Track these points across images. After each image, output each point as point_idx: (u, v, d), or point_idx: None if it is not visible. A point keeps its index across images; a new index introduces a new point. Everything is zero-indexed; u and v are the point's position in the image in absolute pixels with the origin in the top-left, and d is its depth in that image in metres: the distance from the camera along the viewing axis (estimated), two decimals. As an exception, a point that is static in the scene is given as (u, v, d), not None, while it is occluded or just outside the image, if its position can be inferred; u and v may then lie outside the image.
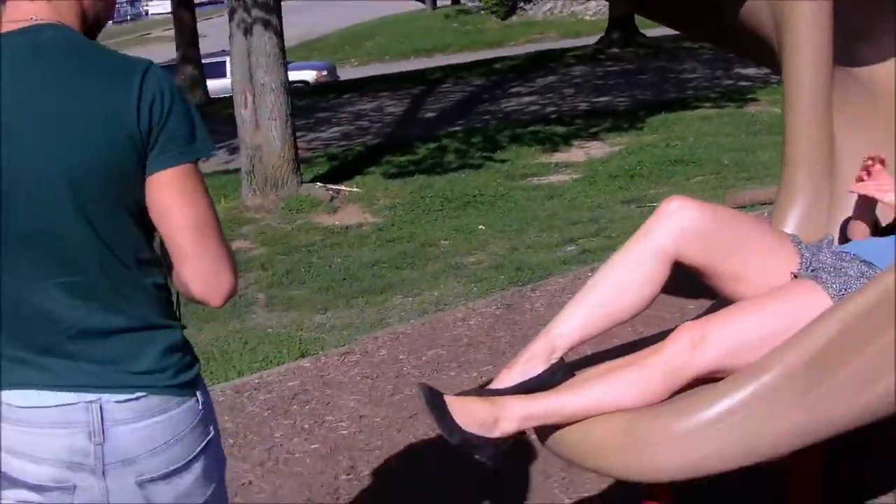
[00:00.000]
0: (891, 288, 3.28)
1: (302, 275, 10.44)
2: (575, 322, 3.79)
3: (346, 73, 38.09)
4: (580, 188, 13.04)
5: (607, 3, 29.60)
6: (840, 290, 3.52)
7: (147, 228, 2.57)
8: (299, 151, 14.09)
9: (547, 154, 15.38)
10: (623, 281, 3.79)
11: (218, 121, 22.17)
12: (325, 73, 35.32)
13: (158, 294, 2.63)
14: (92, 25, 2.66)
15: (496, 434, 3.57)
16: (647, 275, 3.76)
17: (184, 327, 2.67)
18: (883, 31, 4.49)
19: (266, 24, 13.40)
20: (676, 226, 3.75)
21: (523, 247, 10.55)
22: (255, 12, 13.37)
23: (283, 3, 13.81)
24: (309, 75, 33.99)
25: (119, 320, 2.55)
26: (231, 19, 13.65)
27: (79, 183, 2.43)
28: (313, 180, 14.17)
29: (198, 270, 2.57)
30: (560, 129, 17.04)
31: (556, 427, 3.64)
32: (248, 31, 13.41)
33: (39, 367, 2.52)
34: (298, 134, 14.52)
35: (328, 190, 13.58)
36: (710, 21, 5.07)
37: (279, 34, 13.60)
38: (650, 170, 13.43)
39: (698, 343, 3.49)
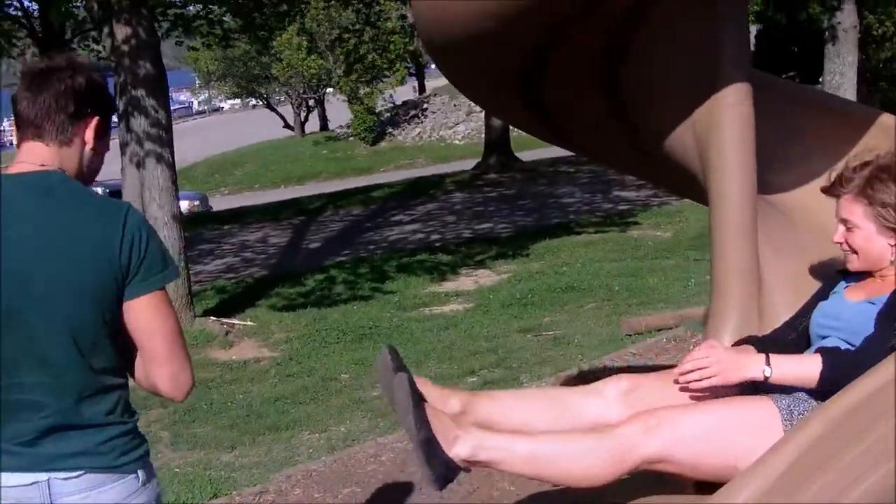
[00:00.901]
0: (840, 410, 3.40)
1: (204, 412, 10.33)
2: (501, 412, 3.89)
3: (218, 202, 37.99)
4: (474, 318, 13.14)
5: (493, 126, 29.91)
6: (788, 408, 3.65)
7: (115, 339, 3.18)
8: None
9: (436, 283, 15.50)
10: (555, 422, 3.89)
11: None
12: (197, 203, 35.10)
13: (119, 394, 3.27)
14: (87, 175, 3.31)
15: (451, 452, 3.61)
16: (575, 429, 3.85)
17: (136, 416, 3.34)
18: (797, 157, 4.65)
19: (159, 158, 13.43)
20: (613, 396, 3.92)
21: (425, 378, 10.55)
22: (148, 146, 13.39)
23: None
24: (182, 206, 33.74)
25: (80, 418, 3.14)
26: (123, 153, 13.64)
27: (66, 297, 3.04)
28: (204, 314, 14.10)
29: (168, 372, 3.29)
30: (446, 258, 17.19)
31: None
32: (140, 165, 13.41)
33: (9, 453, 3.10)
34: (183, 267, 14.49)
35: (222, 324, 13.54)
36: (629, 149, 5.19)
37: (171, 167, 13.64)
38: (542, 297, 13.60)
39: (652, 428, 3.61)
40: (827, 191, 3.96)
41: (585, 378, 9.40)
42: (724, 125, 4.21)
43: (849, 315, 3.84)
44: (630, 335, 10.99)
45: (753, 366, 3.72)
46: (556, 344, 11.31)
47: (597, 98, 5.03)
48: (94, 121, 3.26)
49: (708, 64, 4.43)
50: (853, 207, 3.84)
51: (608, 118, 5.11)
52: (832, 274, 4.13)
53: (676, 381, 3.85)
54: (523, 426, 3.86)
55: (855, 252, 3.89)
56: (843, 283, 4.02)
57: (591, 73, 4.89)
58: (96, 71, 3.31)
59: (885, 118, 4.53)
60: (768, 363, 3.70)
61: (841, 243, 3.93)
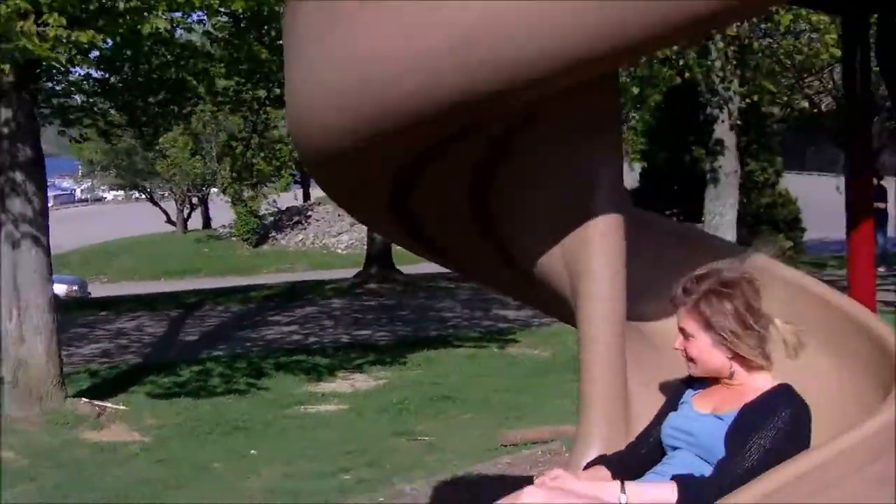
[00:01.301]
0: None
1: (73, 490, 10.27)
2: None
3: (97, 289, 37.66)
4: (349, 419, 13.21)
5: (375, 238, 30.06)
6: None
7: None
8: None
9: (313, 383, 15.51)
10: None
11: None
12: (75, 287, 34.81)
13: None
14: None
15: None
16: None
17: None
18: (665, 287, 4.72)
19: (35, 241, 13.42)
20: None
21: (298, 474, 10.62)
22: (24, 227, 13.38)
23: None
24: (60, 289, 33.41)
25: None
26: (-1, 232, 13.60)
27: None
28: (77, 395, 13.98)
29: None
30: (323, 360, 17.21)
31: None
32: (15, 245, 13.36)
33: None
34: (56, 348, 14.37)
35: (94, 406, 13.44)
36: (503, 269, 5.28)
37: (47, 251, 13.63)
38: (418, 405, 13.68)
39: None
40: (671, 300, 3.98)
41: (459, 483, 9.54)
42: (594, 255, 4.29)
43: (698, 429, 3.87)
44: (506, 445, 11.12)
45: (609, 493, 3.67)
46: (432, 449, 11.39)
47: (467, 218, 5.12)
48: None
49: (580, 192, 4.47)
50: (689, 319, 3.88)
51: (479, 238, 5.21)
52: (679, 383, 4.19)
53: None
54: None
55: (692, 360, 3.93)
56: (689, 392, 4.05)
57: (460, 195, 4.98)
58: None
59: (757, 257, 4.64)
60: (623, 490, 3.67)
61: (681, 350, 3.96)
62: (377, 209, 5.25)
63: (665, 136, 31.86)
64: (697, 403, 3.97)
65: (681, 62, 20.15)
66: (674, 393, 4.16)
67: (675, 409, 4.05)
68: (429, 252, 5.70)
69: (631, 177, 31.97)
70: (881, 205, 23.85)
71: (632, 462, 4.04)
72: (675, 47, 18.94)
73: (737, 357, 3.86)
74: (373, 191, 4.96)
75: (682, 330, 3.93)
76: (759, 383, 3.85)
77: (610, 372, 4.35)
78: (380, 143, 4.27)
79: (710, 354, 3.87)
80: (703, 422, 3.87)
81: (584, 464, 4.19)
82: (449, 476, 9.58)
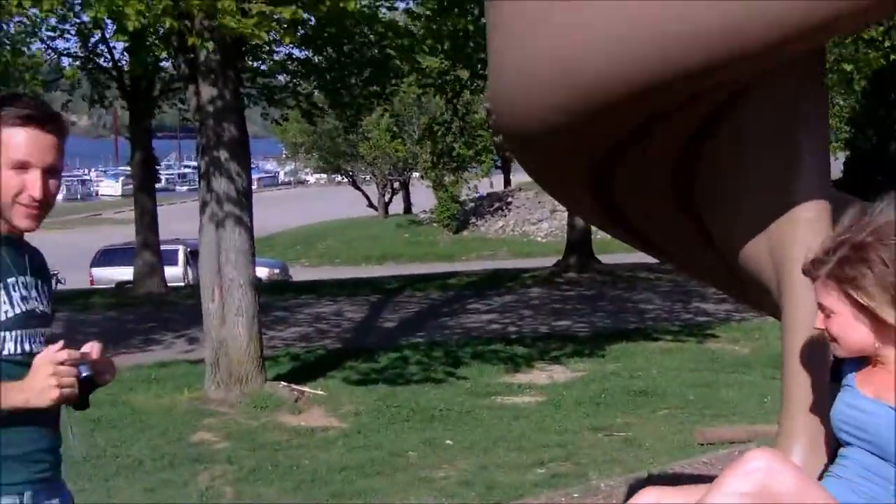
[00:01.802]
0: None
1: (269, 473, 10.36)
2: None
3: (297, 273, 38.24)
4: (546, 411, 13.05)
5: (576, 226, 29.85)
6: None
7: None
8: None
9: (510, 374, 15.40)
10: None
11: (177, 310, 22.22)
12: (277, 271, 35.35)
13: None
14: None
15: None
16: None
17: None
18: None
19: (238, 220, 13.50)
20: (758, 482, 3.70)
21: (493, 465, 10.52)
22: (228, 207, 13.48)
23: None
24: (262, 273, 34.02)
25: None
26: (202, 212, 13.74)
27: None
28: (275, 379, 14.11)
29: None
30: (521, 350, 17.11)
31: None
32: (219, 225, 13.48)
33: None
34: (257, 331, 14.52)
35: (292, 390, 13.54)
36: (711, 262, 5.13)
37: (249, 231, 13.71)
38: (615, 399, 13.47)
39: None
40: (804, 273, 3.74)
41: (655, 482, 9.30)
42: (800, 240, 4.08)
43: (869, 424, 3.61)
44: (702, 444, 10.87)
45: None
46: (628, 445, 11.20)
47: (668, 204, 4.98)
48: None
49: (787, 177, 4.36)
50: (825, 292, 3.61)
51: (680, 223, 5.07)
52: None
53: None
54: None
55: (835, 340, 3.67)
56: (850, 371, 3.78)
57: (662, 178, 4.85)
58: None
59: None
60: None
61: (822, 330, 3.72)
62: (579, 192, 5.14)
63: (871, 122, 30.94)
64: (862, 385, 3.71)
65: (886, 43, 19.51)
66: (834, 364, 3.90)
67: (838, 382, 3.82)
68: (629, 235, 5.57)
69: (834, 166, 31.23)
70: None
71: None
72: (882, 27, 18.32)
73: (880, 329, 3.56)
74: (576, 172, 4.86)
75: (820, 306, 3.65)
76: None
77: (814, 363, 4.21)
78: (587, 123, 4.15)
79: (852, 329, 3.60)
80: (874, 415, 3.61)
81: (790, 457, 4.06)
82: (644, 474, 9.36)
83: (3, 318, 3.31)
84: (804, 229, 4.03)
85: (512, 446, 11.33)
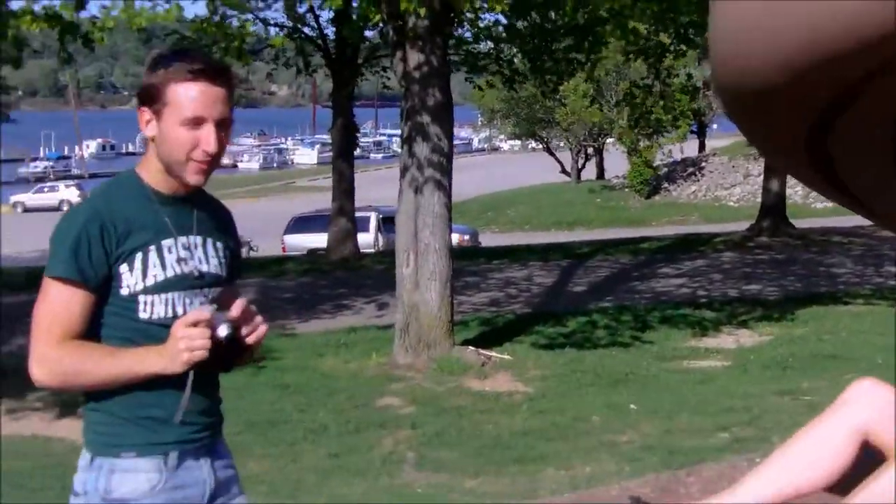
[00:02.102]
0: None
1: (453, 437, 10.50)
2: (760, 487, 3.79)
3: (487, 239, 38.38)
4: (732, 375, 12.99)
5: (770, 190, 29.47)
6: None
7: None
8: (451, 314, 14.24)
9: (697, 338, 15.35)
10: (812, 456, 3.78)
11: (368, 276, 22.54)
12: (467, 237, 35.50)
13: None
14: (167, 165, 3.39)
15: None
16: (837, 452, 3.75)
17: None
18: None
19: (438, 185, 13.65)
20: (870, 401, 3.76)
21: (676, 430, 10.51)
22: (428, 171, 13.63)
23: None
24: (453, 239, 34.20)
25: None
26: (402, 177, 13.94)
27: None
28: (463, 343, 14.27)
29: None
30: (709, 315, 17.01)
31: None
32: (418, 190, 13.66)
33: None
34: (447, 296, 14.70)
35: (479, 355, 13.68)
36: None
37: (448, 195, 13.84)
38: (802, 363, 13.34)
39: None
40: None
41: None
42: None
43: None
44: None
45: None
46: (813, 409, 10.98)
47: (888, 162, 4.94)
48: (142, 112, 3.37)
49: None
50: None
51: None
52: None
53: None
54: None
55: None
56: None
57: (882, 136, 4.80)
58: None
59: None
60: None
61: None
62: (797, 154, 5.14)
63: None
64: None
65: None
66: None
67: None
68: (846, 199, 5.54)
69: None
70: None
71: None
72: None
73: None
74: (794, 132, 4.85)
75: None
76: None
77: None
78: (813, 77, 4.15)
79: None
80: None
81: None
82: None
83: (153, 282, 3.33)
84: None
85: (696, 411, 11.30)
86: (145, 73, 3.38)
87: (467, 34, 21.55)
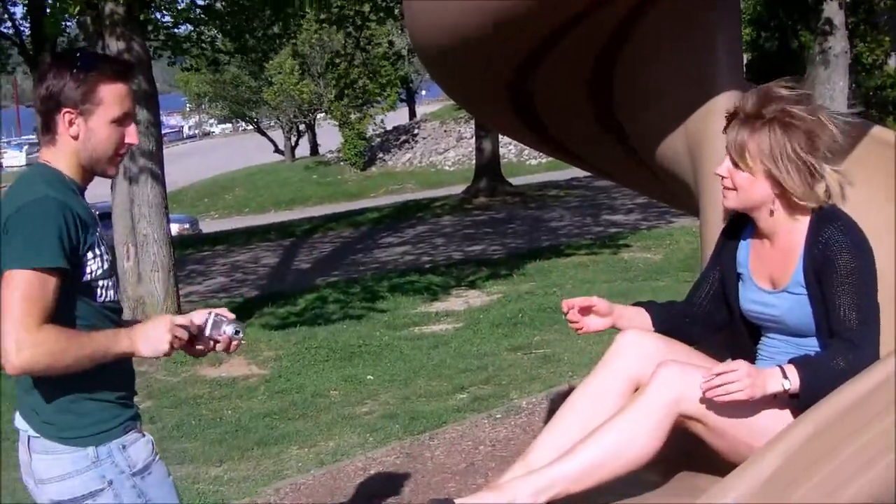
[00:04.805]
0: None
1: (192, 427, 10.32)
2: (548, 452, 3.80)
3: (207, 225, 37.97)
4: (464, 336, 13.13)
5: (483, 151, 29.92)
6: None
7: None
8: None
9: (426, 303, 15.48)
10: (589, 412, 3.82)
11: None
12: (187, 226, 34.96)
13: None
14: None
15: None
16: (613, 402, 3.80)
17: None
18: None
19: (151, 174, 13.42)
20: (637, 351, 3.83)
21: (414, 396, 10.58)
22: (141, 162, 13.38)
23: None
24: (172, 229, 33.59)
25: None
26: (114, 168, 13.61)
27: None
28: (194, 333, 14.02)
29: None
30: (436, 279, 17.18)
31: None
32: (132, 181, 13.38)
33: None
34: (174, 287, 14.43)
35: (211, 342, 13.47)
36: (623, 158, 5.20)
37: (163, 184, 13.63)
38: (532, 317, 13.57)
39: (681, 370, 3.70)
40: (729, 117, 3.78)
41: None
42: (717, 132, 4.13)
43: (780, 311, 3.78)
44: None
45: (772, 380, 3.54)
46: (546, 362, 11.29)
47: (586, 104, 5.03)
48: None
49: (701, 71, 4.44)
50: (747, 143, 3.67)
51: (598, 125, 5.12)
52: (723, 237, 4.07)
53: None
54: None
55: (733, 189, 3.74)
56: (742, 255, 3.94)
57: (581, 80, 4.88)
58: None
59: (877, 130, 4.45)
60: (786, 376, 3.54)
61: (720, 178, 3.79)
62: (499, 108, 5.16)
63: (772, 23, 31.16)
64: (756, 274, 3.87)
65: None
66: (723, 246, 4.06)
67: (729, 270, 4.00)
68: (547, 145, 5.62)
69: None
70: None
71: (696, 314, 4.20)
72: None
73: (783, 194, 3.67)
74: (491, 85, 4.88)
75: (731, 154, 3.72)
76: (801, 227, 3.70)
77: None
78: (501, 28, 4.16)
79: (755, 185, 3.69)
80: (778, 307, 3.78)
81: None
82: (565, 387, 9.45)
83: (105, 267, 3.60)
84: (721, 121, 4.05)
85: (432, 375, 11.39)
86: (66, 76, 3.55)
87: (166, 19, 21.13)
